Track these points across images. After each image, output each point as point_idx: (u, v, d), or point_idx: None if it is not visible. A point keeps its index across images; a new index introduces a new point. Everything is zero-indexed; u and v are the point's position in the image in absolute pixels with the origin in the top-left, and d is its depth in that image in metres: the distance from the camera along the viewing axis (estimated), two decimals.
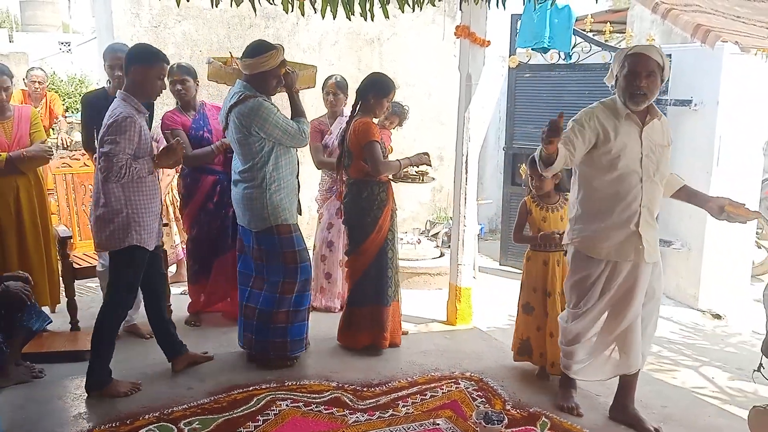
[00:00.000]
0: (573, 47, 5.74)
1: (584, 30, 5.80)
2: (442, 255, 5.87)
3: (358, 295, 4.07)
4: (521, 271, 3.85)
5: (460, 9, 4.31)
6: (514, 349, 3.86)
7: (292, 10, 3.87)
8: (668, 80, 5.23)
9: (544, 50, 5.83)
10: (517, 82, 6.15)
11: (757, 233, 5.90)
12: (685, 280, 5.52)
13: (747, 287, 5.47)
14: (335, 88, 4.66)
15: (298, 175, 3.85)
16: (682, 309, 5.41)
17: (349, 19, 4.00)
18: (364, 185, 3.98)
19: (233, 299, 4.43)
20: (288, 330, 3.78)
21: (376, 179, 3.95)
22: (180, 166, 4.22)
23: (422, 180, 4.22)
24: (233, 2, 3.70)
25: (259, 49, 3.60)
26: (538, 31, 5.71)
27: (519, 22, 5.90)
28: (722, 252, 5.36)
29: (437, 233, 6.80)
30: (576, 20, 5.74)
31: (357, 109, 4.02)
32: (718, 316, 5.26)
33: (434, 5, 4.02)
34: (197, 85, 4.38)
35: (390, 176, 4.05)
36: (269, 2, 3.73)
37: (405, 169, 4.11)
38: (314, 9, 3.91)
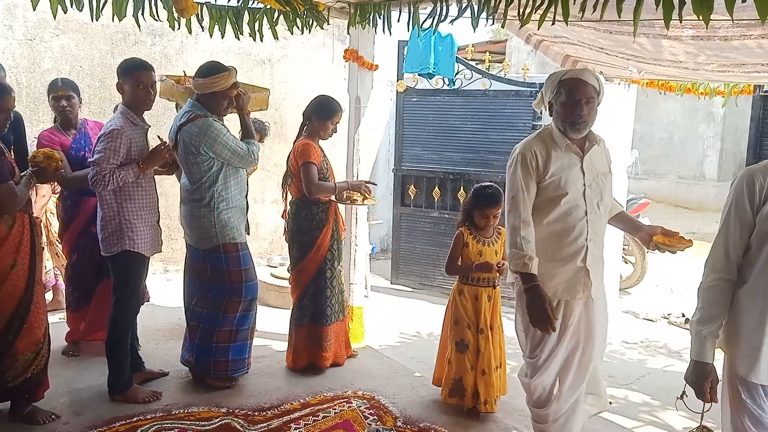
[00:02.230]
0: (456, 74, 6.01)
1: (466, 58, 6.10)
2: None
3: (298, 314, 4.11)
4: (448, 306, 3.72)
5: (348, 33, 4.42)
6: (445, 390, 3.63)
7: (179, 28, 3.83)
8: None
9: (430, 76, 6.06)
10: (405, 105, 6.35)
11: (623, 248, 6.37)
12: None
13: (616, 300, 5.88)
14: None
15: (246, 195, 3.87)
16: None
17: (238, 39, 4.00)
18: (302, 205, 4.03)
19: None
20: (230, 349, 3.77)
21: (315, 199, 3.98)
22: (57, 188, 4.03)
23: (362, 202, 4.16)
24: (115, 17, 3.61)
25: (211, 69, 3.61)
26: (424, 58, 5.94)
27: (406, 48, 6.11)
28: None
29: None
30: (458, 49, 6.02)
31: (302, 130, 4.08)
32: None
33: (323, 28, 4.10)
34: (81, 102, 4.20)
35: (332, 197, 4.05)
36: (154, 19, 3.67)
37: (347, 193, 4.08)
38: (202, 27, 3.88)
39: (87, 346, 4.33)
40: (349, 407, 3.62)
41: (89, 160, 3.41)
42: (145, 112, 3.59)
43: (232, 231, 3.70)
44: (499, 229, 3.62)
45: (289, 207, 4.18)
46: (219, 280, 3.72)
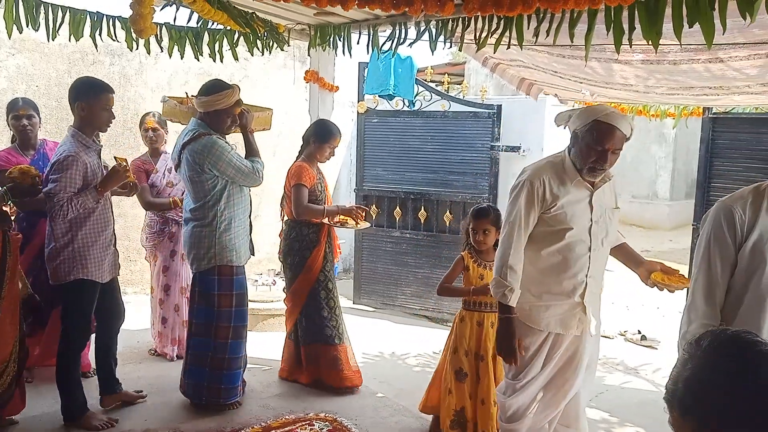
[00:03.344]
0: (416, 95, 6.11)
1: (425, 80, 6.20)
2: None
3: (300, 333, 4.11)
4: (450, 333, 3.59)
5: (309, 55, 4.46)
6: (446, 422, 3.42)
7: (137, 48, 3.81)
8: (500, 128, 5.73)
9: (390, 97, 6.14)
10: (366, 126, 6.40)
11: None
12: None
13: None
14: (154, 125, 4.47)
15: (250, 215, 3.84)
16: None
17: (198, 60, 4.00)
18: (294, 226, 4.05)
19: None
20: (222, 376, 3.72)
21: (306, 221, 3.99)
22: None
23: (356, 225, 4.12)
24: (72, 36, 3.58)
25: (214, 87, 3.60)
26: (384, 79, 6.02)
27: (366, 70, 6.18)
28: None
29: None
30: (418, 71, 6.12)
31: (301, 152, 4.11)
32: None
33: (283, 50, 4.13)
34: (40, 121, 4.12)
35: (324, 220, 4.02)
36: (112, 39, 3.65)
37: (339, 216, 4.06)
38: (161, 48, 3.87)
39: (41, 371, 4.19)
40: (311, 429, 3.58)
41: (43, 190, 3.29)
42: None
43: (231, 253, 3.66)
44: None
45: (283, 227, 4.19)
46: (206, 304, 3.67)
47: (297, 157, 4.16)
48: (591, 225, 2.68)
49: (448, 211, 5.90)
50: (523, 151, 5.69)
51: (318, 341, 4.08)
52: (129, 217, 6.05)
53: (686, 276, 2.74)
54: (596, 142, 2.55)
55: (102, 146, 3.55)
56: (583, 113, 2.64)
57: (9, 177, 3.29)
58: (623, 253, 2.95)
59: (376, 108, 6.29)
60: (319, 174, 4.13)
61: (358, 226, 4.13)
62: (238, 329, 3.74)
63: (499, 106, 5.73)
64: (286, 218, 4.18)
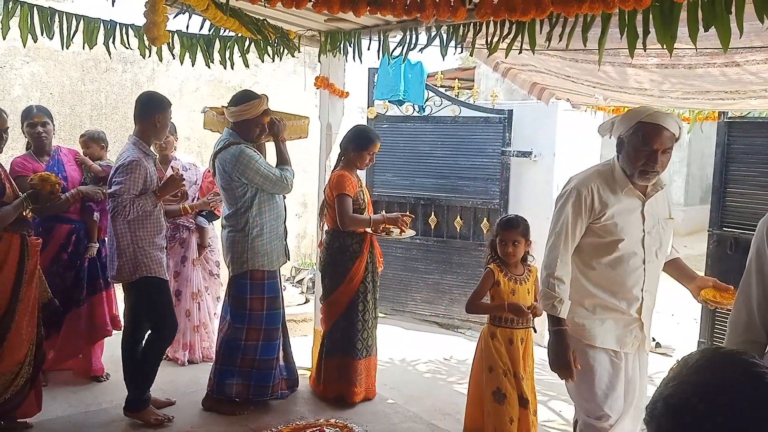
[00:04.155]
0: (426, 101, 6.09)
1: (435, 85, 6.18)
2: (307, 301, 5.87)
3: (328, 345, 4.05)
4: (477, 350, 3.42)
5: (319, 61, 4.46)
6: None
7: (149, 56, 3.83)
8: (511, 133, 5.70)
9: (400, 102, 6.13)
10: (376, 132, 6.39)
11: None
12: None
13: None
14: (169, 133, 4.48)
15: (285, 221, 3.93)
16: None
17: (209, 67, 4.01)
18: (336, 236, 4.01)
19: (86, 356, 4.23)
20: (252, 374, 3.80)
21: (350, 231, 3.94)
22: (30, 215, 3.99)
23: (400, 234, 4.00)
24: (86, 45, 3.61)
25: (242, 98, 3.74)
26: (394, 85, 6.01)
27: (376, 76, 6.17)
28: None
29: (302, 279, 6.79)
30: (428, 76, 6.11)
31: (339, 160, 4.09)
32: None
33: (294, 56, 4.13)
34: (54, 128, 4.17)
35: (368, 229, 3.96)
36: (125, 47, 3.68)
37: (383, 225, 3.97)
38: (173, 55, 3.89)
39: (55, 375, 4.22)
40: None
41: (108, 191, 3.55)
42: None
43: (263, 258, 3.77)
44: (529, 266, 3.40)
45: (324, 237, 4.15)
46: (239, 306, 3.78)
47: (336, 166, 4.12)
48: (644, 236, 2.57)
49: (458, 217, 5.87)
50: (535, 156, 5.66)
51: (346, 354, 4.00)
52: None
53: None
54: (643, 143, 2.47)
55: (156, 156, 3.78)
56: (626, 117, 2.57)
57: (30, 184, 3.45)
58: (675, 268, 2.81)
59: (386, 113, 6.29)
60: (359, 182, 4.09)
61: (403, 234, 4.01)
62: (270, 332, 3.81)
63: (510, 111, 5.70)
64: (326, 228, 4.13)
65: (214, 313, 4.66)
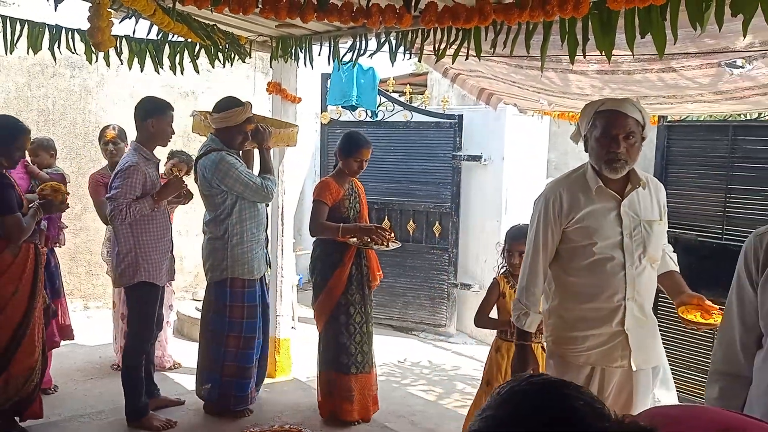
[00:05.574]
0: (378, 106, 6.16)
1: (388, 91, 6.25)
2: None
3: (319, 357, 3.94)
4: (486, 362, 3.33)
5: (271, 67, 4.47)
6: None
7: (96, 61, 3.78)
8: (462, 138, 5.80)
9: (353, 108, 6.18)
10: (329, 137, 6.42)
11: None
12: None
13: None
14: (114, 137, 4.36)
15: (266, 229, 3.91)
16: (484, 348, 5.83)
17: (158, 72, 3.98)
18: (318, 244, 3.90)
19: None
20: (233, 384, 3.82)
21: (332, 239, 3.76)
22: None
23: (387, 246, 3.78)
24: (30, 50, 3.54)
25: (226, 105, 3.74)
26: (347, 90, 6.06)
27: (329, 81, 6.21)
28: None
29: None
30: (380, 81, 6.18)
31: (334, 167, 4.00)
32: None
33: (244, 62, 4.13)
34: None
35: (350, 240, 3.73)
36: (71, 51, 3.62)
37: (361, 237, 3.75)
38: (121, 61, 3.84)
39: None
40: None
41: (106, 196, 3.56)
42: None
43: (243, 267, 3.75)
44: None
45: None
46: (219, 313, 3.76)
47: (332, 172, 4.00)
48: (622, 239, 2.42)
49: (411, 221, 5.95)
50: (485, 160, 5.77)
51: (331, 369, 3.84)
52: (91, 230, 5.96)
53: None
54: (603, 132, 2.38)
55: (159, 160, 3.75)
56: (583, 113, 2.51)
57: (42, 194, 3.50)
58: (670, 282, 2.62)
59: (339, 119, 6.32)
60: (350, 190, 3.93)
61: (388, 247, 3.79)
62: (248, 340, 3.81)
63: (461, 116, 5.81)
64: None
65: (166, 321, 4.60)
